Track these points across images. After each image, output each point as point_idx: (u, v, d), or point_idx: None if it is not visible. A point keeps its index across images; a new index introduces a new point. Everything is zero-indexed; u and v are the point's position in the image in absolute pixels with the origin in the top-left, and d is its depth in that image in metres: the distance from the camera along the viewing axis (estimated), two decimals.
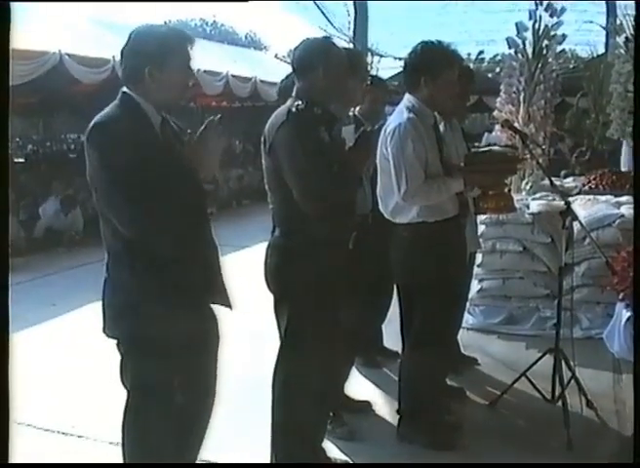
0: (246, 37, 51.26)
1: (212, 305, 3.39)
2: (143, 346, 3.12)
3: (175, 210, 3.01)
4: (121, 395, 5.34)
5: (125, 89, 3.16)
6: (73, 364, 6.37)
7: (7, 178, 2.05)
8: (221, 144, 3.21)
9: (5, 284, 1.97)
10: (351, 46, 15.69)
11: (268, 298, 4.04)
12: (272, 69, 20.64)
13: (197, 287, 3.22)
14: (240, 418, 4.82)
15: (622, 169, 9.89)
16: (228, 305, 3.39)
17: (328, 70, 3.86)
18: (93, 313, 8.10)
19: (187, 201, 3.10)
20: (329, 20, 19.54)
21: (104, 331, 3.27)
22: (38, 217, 12.66)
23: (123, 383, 3.31)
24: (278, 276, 3.98)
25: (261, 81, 18.12)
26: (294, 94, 3.96)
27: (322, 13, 19.70)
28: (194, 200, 3.18)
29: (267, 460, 4.17)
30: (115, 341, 3.31)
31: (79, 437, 4.86)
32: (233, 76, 16.46)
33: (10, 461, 1.97)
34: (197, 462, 3.56)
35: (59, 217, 12.77)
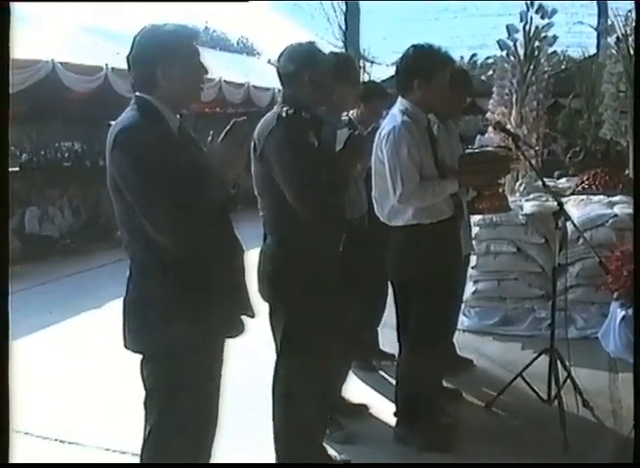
0: (238, 43, 51.22)
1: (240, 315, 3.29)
2: (175, 360, 3.01)
3: (207, 214, 2.96)
4: (118, 402, 5.37)
5: (139, 93, 3.06)
6: (70, 371, 6.38)
7: (7, 188, 2.04)
8: (247, 146, 3.15)
9: (5, 292, 1.97)
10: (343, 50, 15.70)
11: (263, 303, 4.03)
12: (265, 75, 20.64)
13: (229, 297, 3.14)
14: (242, 423, 4.81)
15: None
16: (252, 315, 3.32)
17: (313, 76, 3.89)
18: (89, 320, 8.16)
19: (216, 204, 3.05)
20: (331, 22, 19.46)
21: (127, 346, 3.09)
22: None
23: (146, 391, 3.14)
24: (272, 284, 3.99)
25: (254, 87, 18.09)
26: (280, 99, 4.00)
27: (327, 19, 19.67)
28: (221, 203, 3.11)
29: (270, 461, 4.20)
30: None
31: (76, 444, 4.86)
32: (226, 82, 16.43)
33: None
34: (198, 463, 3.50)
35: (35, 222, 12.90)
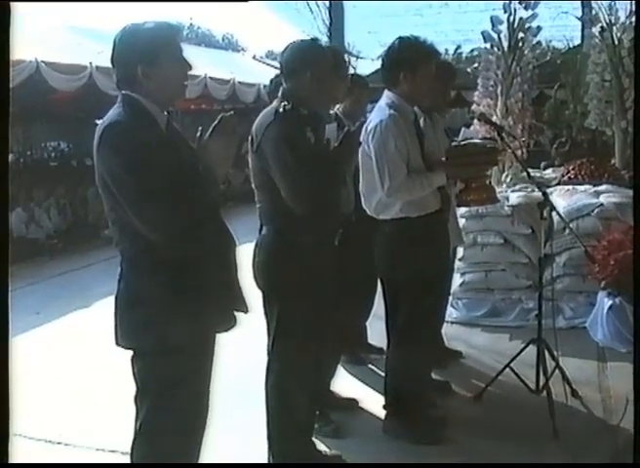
0: (223, 39, 51.11)
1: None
2: (170, 356, 2.99)
3: (198, 209, 2.95)
4: (106, 402, 5.35)
5: (124, 91, 3.04)
6: (58, 372, 6.37)
7: (7, 188, 2.02)
8: (235, 141, 3.12)
9: (5, 298, 1.96)
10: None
11: (256, 298, 4.02)
12: (250, 71, 20.65)
13: (221, 293, 3.13)
14: (234, 416, 4.81)
15: None
16: (245, 311, 3.30)
17: (316, 73, 3.93)
18: (77, 320, 8.13)
19: (206, 200, 3.03)
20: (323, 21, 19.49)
21: (118, 343, 3.07)
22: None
23: (137, 387, 3.12)
24: (266, 274, 4.02)
25: (240, 83, 18.10)
26: (280, 94, 4.02)
27: (312, 13, 19.69)
28: (212, 199, 3.10)
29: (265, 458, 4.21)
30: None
31: (65, 444, 4.86)
32: (211, 78, 16.41)
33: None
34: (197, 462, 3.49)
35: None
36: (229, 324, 3.24)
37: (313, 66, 3.93)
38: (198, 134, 3.07)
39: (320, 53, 4.05)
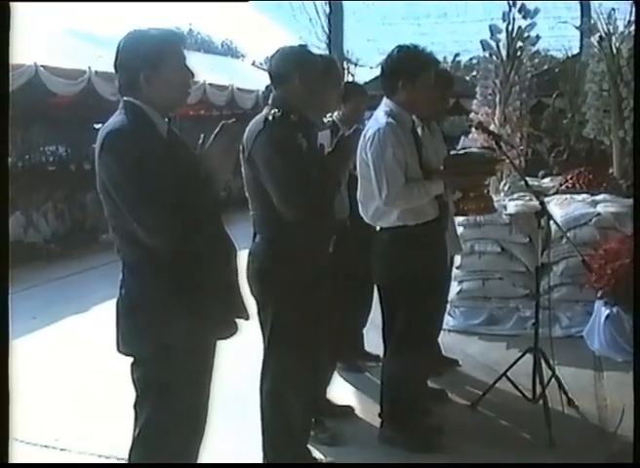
0: (222, 45, 51.12)
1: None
2: (170, 363, 3.00)
3: (198, 216, 2.95)
4: (102, 407, 5.34)
5: (126, 97, 3.05)
6: (54, 376, 6.36)
7: (6, 189, 2.02)
8: (237, 148, 3.13)
9: (4, 302, 1.96)
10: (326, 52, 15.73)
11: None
12: (249, 77, 20.67)
13: (222, 299, 3.14)
14: (231, 422, 4.80)
15: None
16: (247, 317, 3.32)
17: (304, 78, 3.91)
18: (73, 325, 8.12)
19: (207, 206, 3.04)
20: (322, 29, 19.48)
21: (120, 350, 3.08)
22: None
23: (137, 394, 3.13)
24: (260, 282, 4.00)
25: (239, 89, 18.12)
26: (270, 101, 4.00)
27: (310, 21, 19.70)
28: (212, 205, 3.11)
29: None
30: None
31: (62, 450, 4.84)
32: (210, 85, 16.44)
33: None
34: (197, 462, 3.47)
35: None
36: (231, 331, 3.24)
37: (302, 71, 3.91)
38: (200, 141, 3.08)
39: (308, 58, 4.03)
